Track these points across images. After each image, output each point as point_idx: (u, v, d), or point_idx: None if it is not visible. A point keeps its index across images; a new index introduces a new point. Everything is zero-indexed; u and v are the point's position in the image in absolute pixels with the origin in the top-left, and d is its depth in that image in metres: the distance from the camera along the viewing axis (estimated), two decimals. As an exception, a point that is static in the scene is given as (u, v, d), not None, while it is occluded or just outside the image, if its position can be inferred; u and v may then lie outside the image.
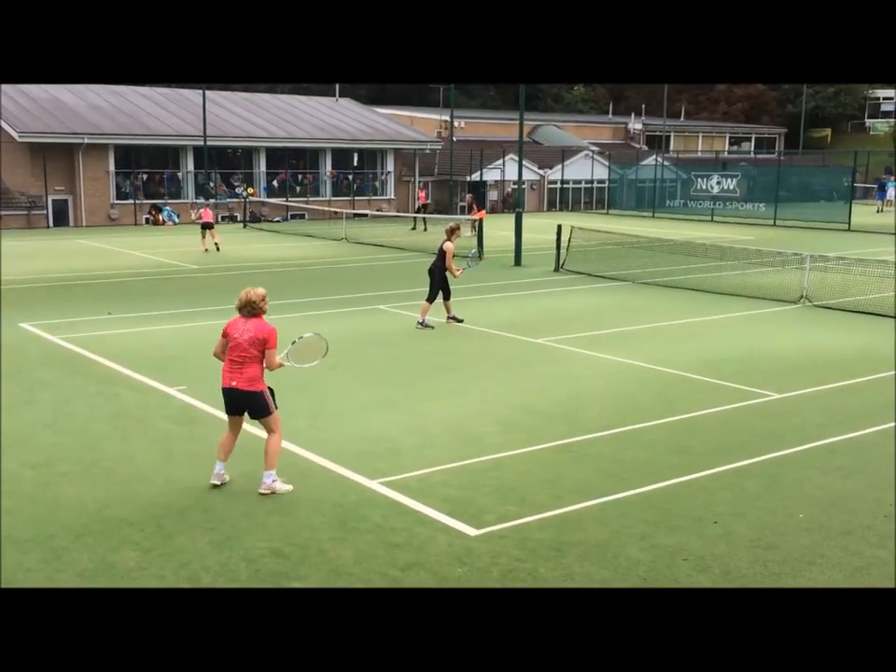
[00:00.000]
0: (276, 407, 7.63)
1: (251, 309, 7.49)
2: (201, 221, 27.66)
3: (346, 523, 6.98)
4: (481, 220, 27.10)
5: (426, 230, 34.16)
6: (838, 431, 9.38)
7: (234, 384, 7.46)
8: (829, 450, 8.84)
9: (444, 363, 12.51)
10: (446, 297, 15.13)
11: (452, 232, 14.95)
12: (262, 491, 7.53)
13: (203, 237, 27.33)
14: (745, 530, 6.90)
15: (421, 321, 14.82)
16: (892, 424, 9.61)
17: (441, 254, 14.92)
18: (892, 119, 79.40)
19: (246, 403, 7.55)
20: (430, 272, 15.14)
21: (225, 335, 7.59)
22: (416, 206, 39.70)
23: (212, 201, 36.72)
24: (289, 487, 7.60)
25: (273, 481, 7.56)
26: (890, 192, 48.63)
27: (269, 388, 7.59)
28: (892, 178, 52.19)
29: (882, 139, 75.87)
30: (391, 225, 36.09)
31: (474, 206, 34.58)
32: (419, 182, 44.87)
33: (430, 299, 14.96)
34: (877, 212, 46.21)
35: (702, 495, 7.64)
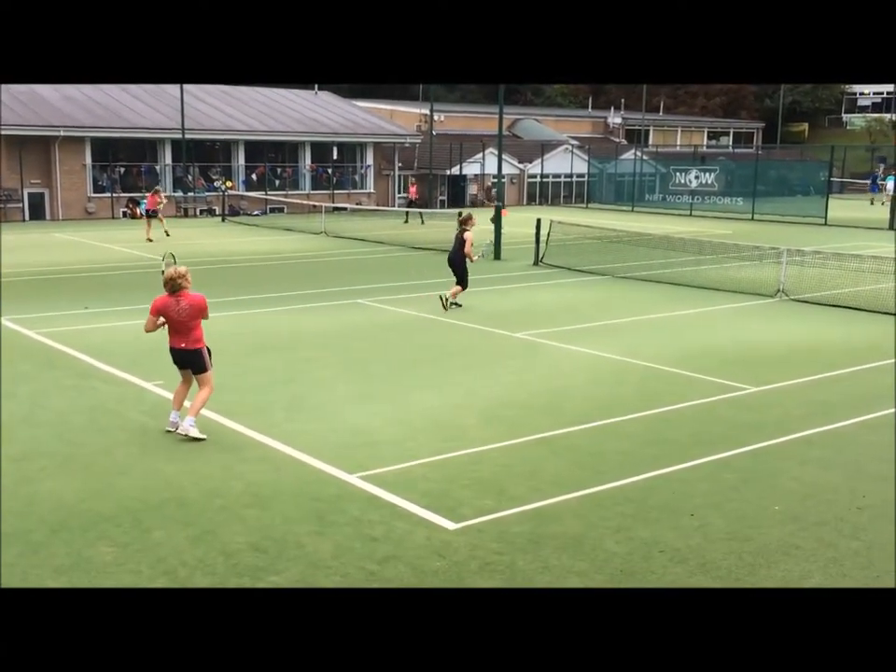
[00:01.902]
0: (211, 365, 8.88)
1: (173, 286, 8.75)
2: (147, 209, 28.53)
3: (324, 517, 6.98)
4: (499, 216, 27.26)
5: (422, 223, 34.07)
6: (815, 423, 9.46)
7: (182, 345, 8.86)
8: (806, 442, 8.92)
9: (424, 357, 12.51)
10: (463, 284, 16.02)
11: (466, 222, 15.89)
12: (179, 432, 8.65)
13: (150, 226, 28.17)
14: (721, 522, 6.95)
15: (452, 301, 15.81)
16: (869, 416, 9.72)
17: (461, 243, 15.77)
18: (869, 114, 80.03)
19: (189, 359, 8.88)
20: (451, 261, 16.06)
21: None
22: (407, 201, 39.03)
23: (187, 193, 36.49)
24: (203, 436, 8.59)
25: (191, 426, 8.60)
26: (890, 186, 48.81)
27: (207, 348, 8.84)
28: (893, 172, 52.26)
29: (858, 134, 76.49)
30: (371, 219, 36.02)
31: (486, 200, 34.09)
32: (410, 177, 44.33)
33: (462, 283, 15.97)
34: (870, 203, 46.39)
35: (679, 487, 7.68)
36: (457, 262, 15.99)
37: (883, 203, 45.00)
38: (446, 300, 15.72)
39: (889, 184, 48.77)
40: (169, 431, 8.81)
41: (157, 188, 30.92)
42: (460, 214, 16.90)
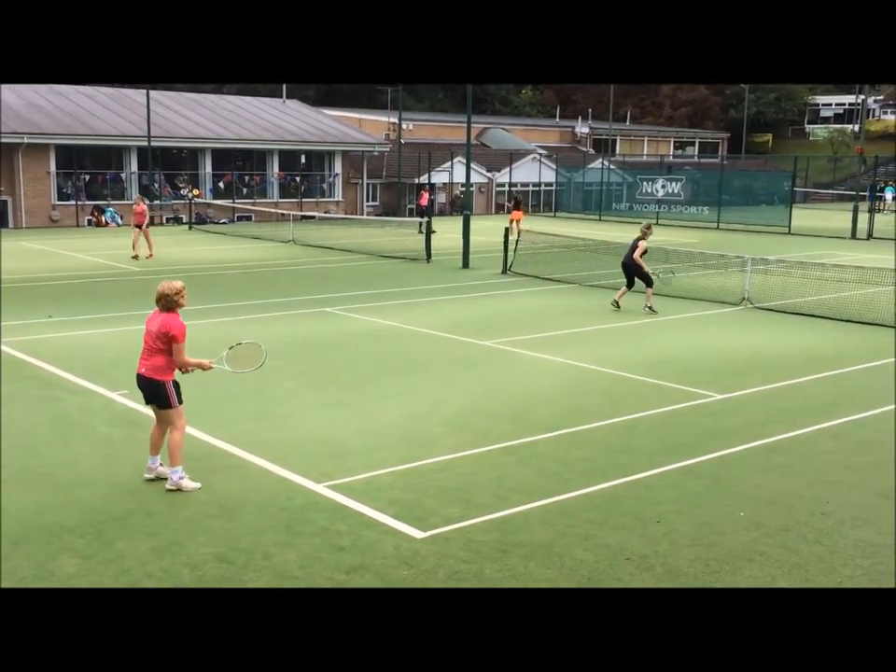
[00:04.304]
0: (181, 402, 7.70)
1: (165, 303, 7.59)
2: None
3: (291, 527, 6.94)
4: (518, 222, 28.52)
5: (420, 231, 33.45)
6: (778, 430, 9.56)
7: (142, 370, 7.68)
8: (769, 449, 9.01)
9: (391, 365, 12.49)
10: (648, 284, 17.02)
11: (644, 234, 17.10)
12: (169, 487, 7.62)
13: (150, 241, 25.46)
14: (687, 529, 7.00)
15: (648, 305, 16.90)
16: (830, 423, 9.84)
17: (633, 249, 16.93)
18: (831, 125, 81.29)
19: (148, 389, 7.71)
20: (624, 265, 17.16)
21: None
22: (418, 209, 37.69)
23: (153, 201, 36.11)
24: (197, 485, 7.68)
25: (181, 478, 7.64)
26: (888, 196, 49.40)
27: (174, 382, 7.68)
28: (892, 183, 52.93)
29: (821, 144, 77.64)
30: (339, 227, 35.94)
31: (514, 207, 32.92)
32: (424, 186, 42.58)
33: (629, 285, 17.24)
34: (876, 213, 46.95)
35: (645, 494, 7.73)
36: (632, 267, 17.00)
37: (884, 213, 45.13)
38: (614, 302, 17.02)
39: (889, 195, 49.41)
40: (149, 480, 7.78)
41: (138, 196, 28.24)
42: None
